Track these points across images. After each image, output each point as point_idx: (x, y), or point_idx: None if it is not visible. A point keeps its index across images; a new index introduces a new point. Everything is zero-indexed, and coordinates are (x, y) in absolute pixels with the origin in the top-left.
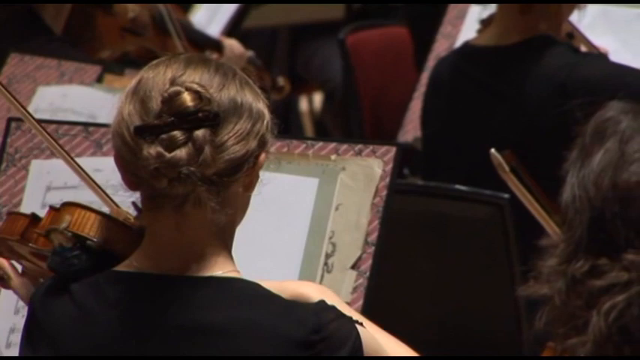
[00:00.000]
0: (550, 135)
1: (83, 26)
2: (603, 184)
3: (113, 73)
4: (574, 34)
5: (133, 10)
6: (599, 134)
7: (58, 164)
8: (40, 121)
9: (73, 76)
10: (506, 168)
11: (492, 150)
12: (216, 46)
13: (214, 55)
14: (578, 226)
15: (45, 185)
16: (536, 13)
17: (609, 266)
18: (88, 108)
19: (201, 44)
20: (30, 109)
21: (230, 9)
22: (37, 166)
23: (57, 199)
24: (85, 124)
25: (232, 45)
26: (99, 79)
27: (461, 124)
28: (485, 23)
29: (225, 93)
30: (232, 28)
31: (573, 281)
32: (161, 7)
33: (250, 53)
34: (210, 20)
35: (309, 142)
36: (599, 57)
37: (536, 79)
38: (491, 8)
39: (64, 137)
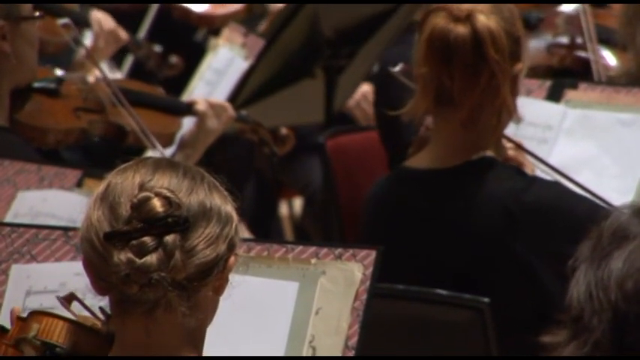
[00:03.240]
0: (498, 263)
1: (26, 112)
2: (628, 287)
3: (93, 178)
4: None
5: (83, 90)
6: (619, 236)
7: (37, 268)
8: (19, 226)
9: (53, 181)
10: None
11: None
12: (191, 111)
13: (195, 120)
14: (597, 326)
15: (25, 290)
16: (478, 127)
17: None
18: (68, 212)
19: (178, 112)
20: (10, 213)
21: (229, 83)
22: (16, 270)
23: (37, 303)
24: (65, 229)
25: (212, 107)
26: (79, 184)
27: (400, 254)
28: (417, 144)
29: (194, 197)
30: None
31: None
32: (105, 83)
33: (244, 113)
34: (209, 95)
35: (289, 245)
36: (546, 182)
37: (480, 206)
38: None
39: (44, 241)
